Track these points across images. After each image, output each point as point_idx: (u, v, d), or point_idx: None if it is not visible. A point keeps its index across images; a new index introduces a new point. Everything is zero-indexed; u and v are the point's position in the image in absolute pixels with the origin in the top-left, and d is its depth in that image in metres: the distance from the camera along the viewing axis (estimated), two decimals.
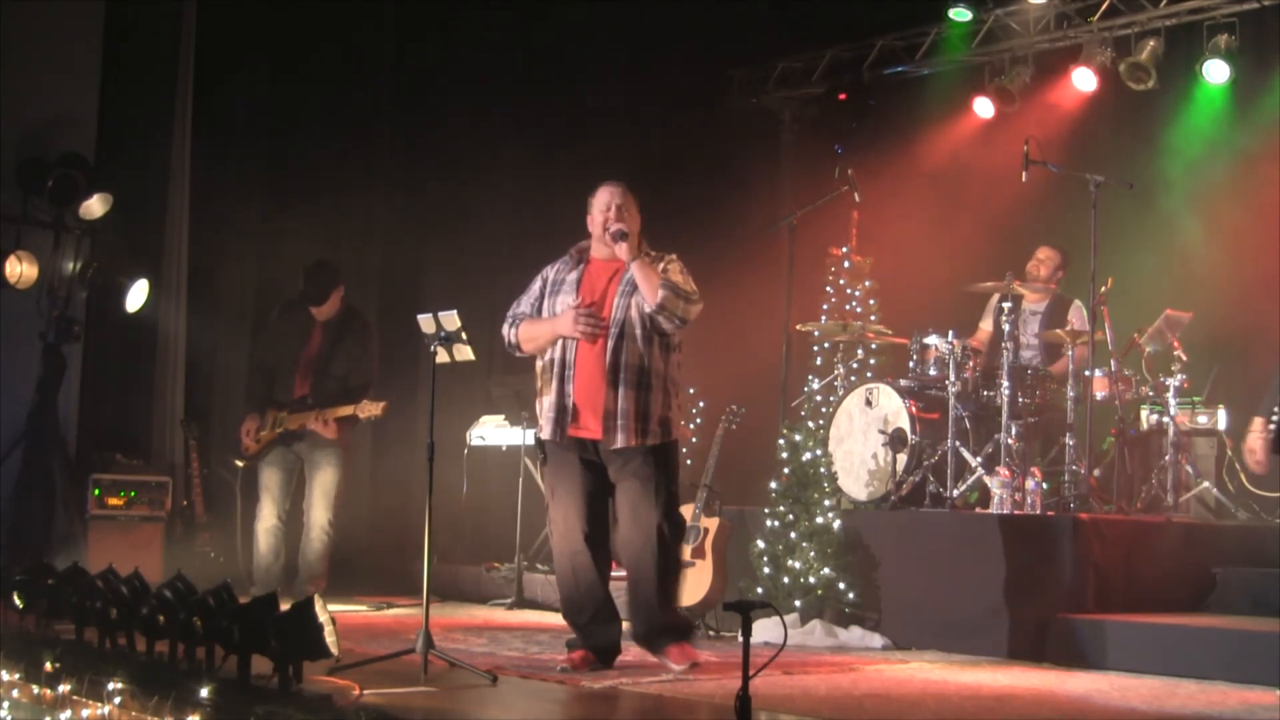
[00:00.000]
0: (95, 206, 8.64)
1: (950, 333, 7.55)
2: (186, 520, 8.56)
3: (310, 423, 7.47)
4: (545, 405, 5.40)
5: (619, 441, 5.26)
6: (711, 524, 6.92)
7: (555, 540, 5.55)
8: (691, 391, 9.04)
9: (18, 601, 5.63)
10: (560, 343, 5.37)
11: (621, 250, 5.33)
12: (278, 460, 7.66)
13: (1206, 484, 7.64)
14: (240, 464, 7.99)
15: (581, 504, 5.39)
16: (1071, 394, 7.37)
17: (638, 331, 5.30)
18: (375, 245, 10.00)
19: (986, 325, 8.24)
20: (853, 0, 9.89)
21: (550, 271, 5.55)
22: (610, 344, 5.29)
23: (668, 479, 5.38)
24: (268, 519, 7.65)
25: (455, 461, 8.75)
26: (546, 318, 5.42)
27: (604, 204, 5.41)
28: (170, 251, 9.26)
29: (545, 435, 5.43)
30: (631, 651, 5.48)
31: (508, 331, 5.52)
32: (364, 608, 7.79)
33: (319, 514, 7.60)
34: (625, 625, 5.51)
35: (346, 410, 7.36)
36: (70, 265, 8.82)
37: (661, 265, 5.39)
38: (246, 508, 8.09)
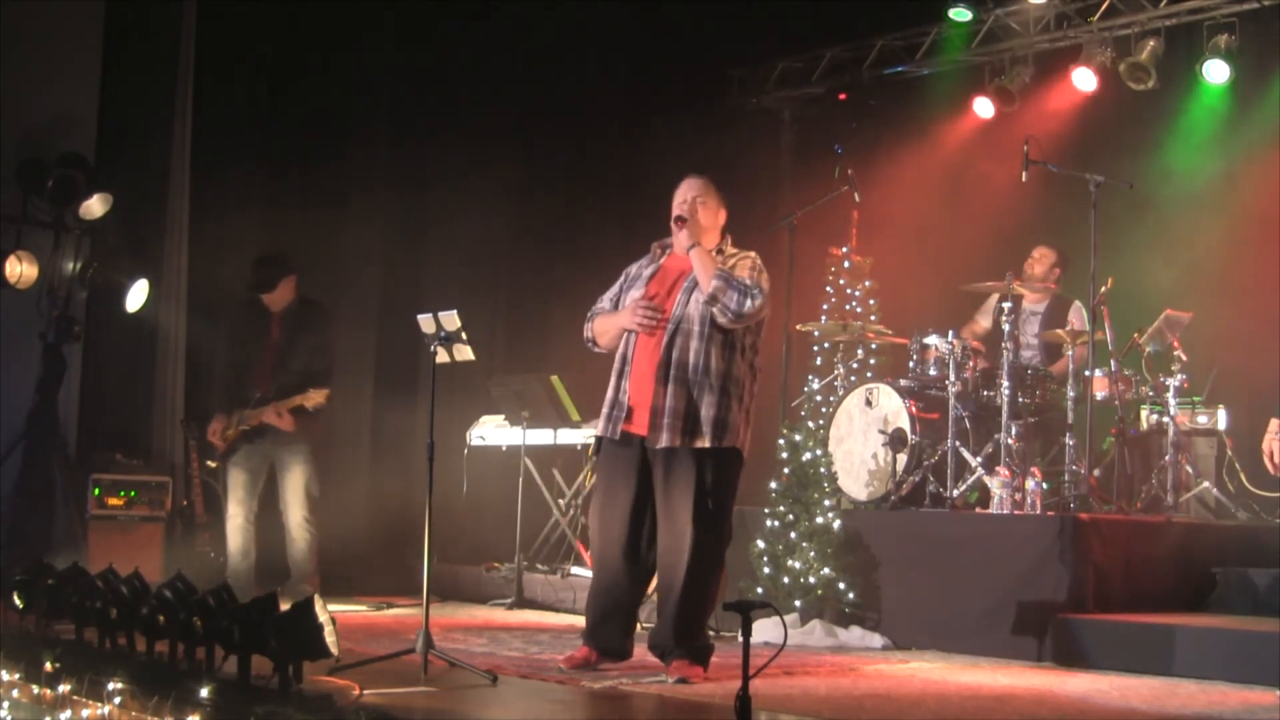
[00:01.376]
0: (95, 206, 8.63)
1: (950, 333, 7.55)
2: (186, 520, 8.55)
3: (267, 417, 7.45)
4: (605, 401, 5.33)
5: (663, 440, 5.11)
6: None
7: (592, 535, 5.45)
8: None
9: (18, 601, 5.62)
10: (624, 338, 5.31)
11: (682, 237, 5.27)
12: (243, 460, 7.63)
13: (1206, 484, 7.64)
14: (213, 464, 7.98)
15: (622, 505, 5.24)
16: (1071, 394, 7.37)
17: (695, 328, 5.17)
18: (376, 245, 9.99)
19: (985, 322, 8.23)
20: (853, 0, 9.90)
21: (633, 268, 5.50)
22: (665, 339, 5.18)
23: (716, 488, 5.13)
24: (235, 518, 7.60)
25: (455, 461, 8.75)
26: (618, 312, 5.38)
27: (680, 197, 5.37)
28: (170, 251, 9.24)
29: (599, 431, 5.35)
30: (634, 652, 5.46)
31: (586, 327, 5.48)
32: (364, 608, 7.79)
33: (294, 512, 7.56)
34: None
35: (295, 401, 7.35)
36: (70, 265, 8.79)
37: (732, 261, 5.29)
38: None
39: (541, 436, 8.48)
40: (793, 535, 6.69)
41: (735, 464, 5.24)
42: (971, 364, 7.53)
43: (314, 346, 7.60)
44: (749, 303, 5.14)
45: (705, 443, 5.12)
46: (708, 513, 5.13)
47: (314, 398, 7.27)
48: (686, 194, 5.38)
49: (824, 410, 8.36)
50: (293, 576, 7.56)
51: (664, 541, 5.19)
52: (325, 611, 4.31)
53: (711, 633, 6.63)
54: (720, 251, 5.35)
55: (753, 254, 5.36)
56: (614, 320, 5.36)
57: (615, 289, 5.49)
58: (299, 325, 7.65)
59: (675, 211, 5.35)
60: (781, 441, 6.94)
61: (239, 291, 7.94)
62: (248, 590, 7.25)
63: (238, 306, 8.04)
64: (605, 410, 5.32)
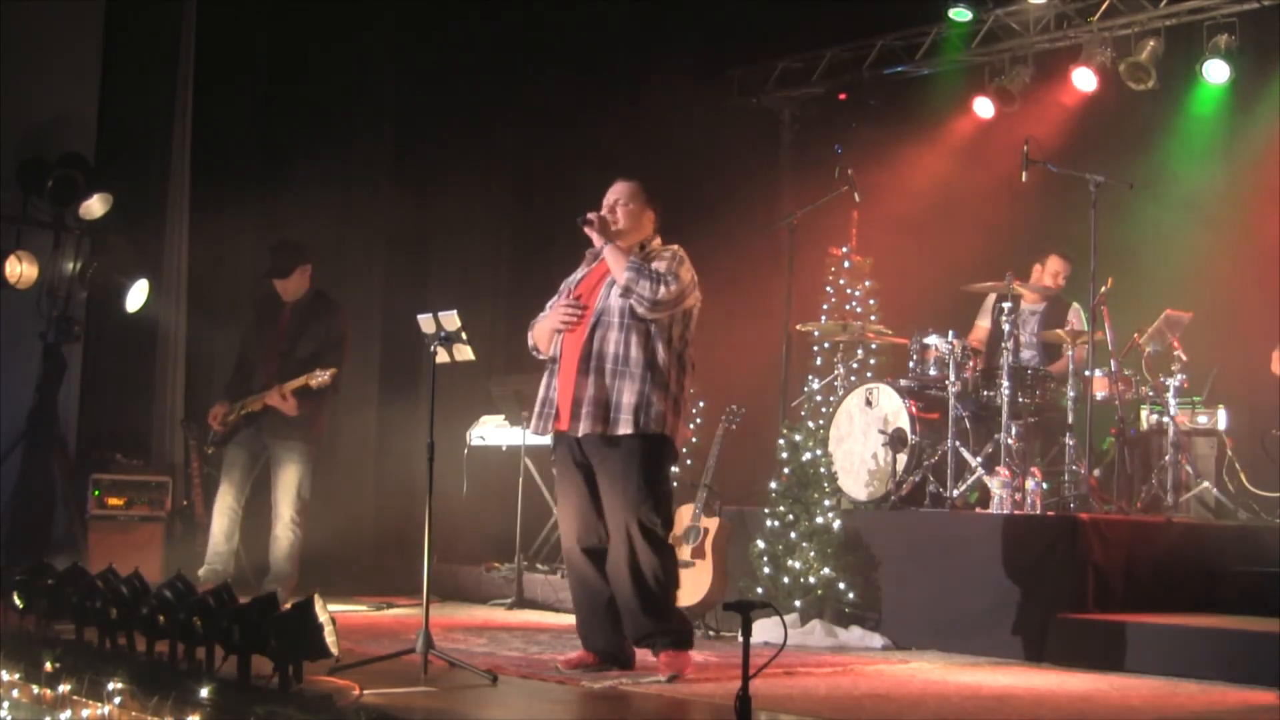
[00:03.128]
0: (95, 206, 8.63)
1: (950, 333, 7.55)
2: (186, 520, 8.55)
3: (270, 399, 7.41)
4: (536, 399, 5.41)
5: (582, 429, 5.18)
6: (711, 524, 6.92)
7: (561, 538, 5.53)
8: (691, 391, 9.03)
9: (18, 601, 5.62)
10: (557, 339, 5.39)
11: (594, 237, 5.34)
12: (244, 442, 7.59)
13: (1206, 484, 7.64)
14: (210, 450, 7.96)
15: (572, 502, 5.32)
16: (1071, 394, 7.37)
17: (615, 320, 5.24)
18: (377, 245, 10.00)
19: (984, 323, 8.24)
20: (853, 0, 9.89)
21: (570, 276, 5.59)
22: (587, 332, 5.27)
23: (647, 473, 5.15)
24: (225, 497, 7.54)
25: (455, 461, 8.75)
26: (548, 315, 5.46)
27: (606, 200, 5.44)
28: (170, 251, 9.25)
29: (532, 429, 5.46)
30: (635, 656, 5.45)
31: (528, 336, 5.56)
32: (364, 608, 7.78)
33: (283, 510, 7.50)
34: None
35: (299, 382, 7.32)
36: (70, 265, 8.80)
37: (653, 256, 5.33)
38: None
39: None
40: (793, 535, 6.69)
41: (664, 450, 5.25)
42: (971, 364, 7.53)
43: (322, 336, 7.57)
44: (662, 289, 5.18)
45: (629, 429, 5.16)
46: (638, 496, 5.15)
47: (318, 376, 7.23)
48: (609, 197, 5.46)
49: (824, 410, 8.36)
50: (270, 575, 7.49)
51: (610, 532, 5.24)
52: (325, 611, 4.31)
53: (711, 633, 6.67)
54: (643, 248, 5.40)
55: (675, 247, 5.41)
56: (545, 323, 5.47)
57: (554, 298, 5.56)
58: (309, 315, 7.63)
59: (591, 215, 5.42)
60: (781, 441, 6.94)
61: (248, 286, 7.91)
62: (227, 574, 7.26)
63: (254, 299, 8.03)
64: (536, 408, 5.40)
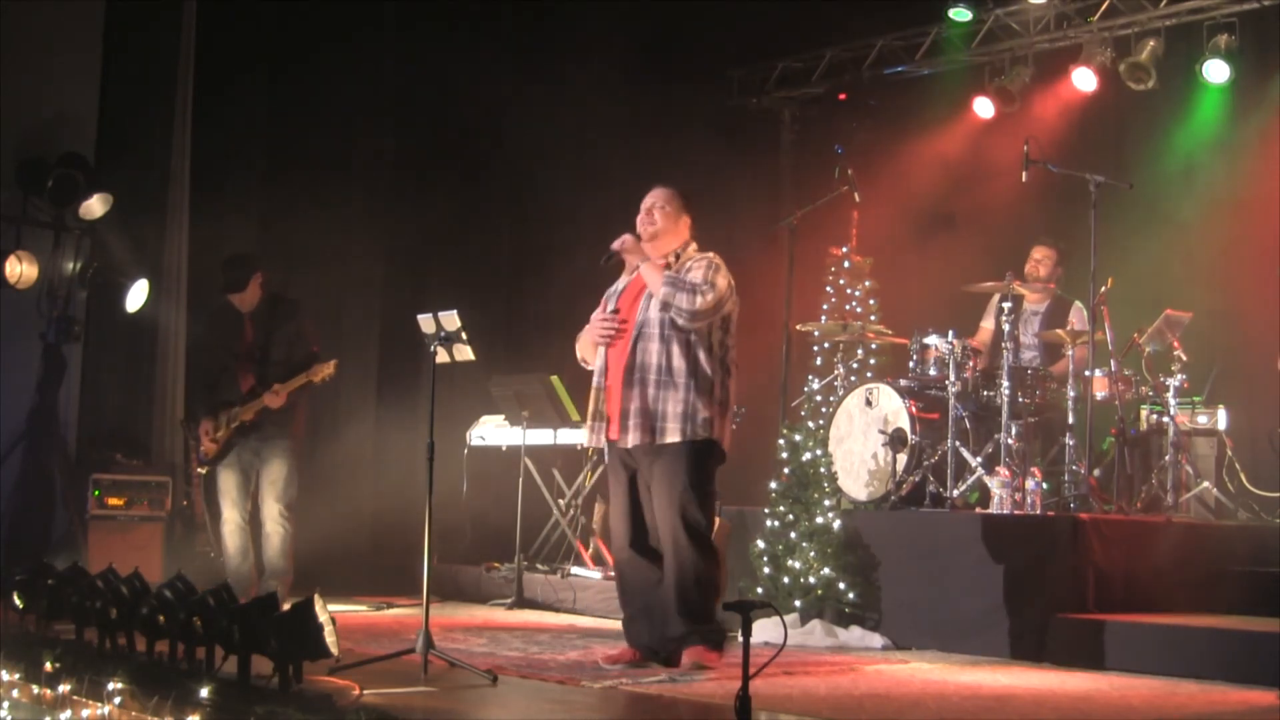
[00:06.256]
0: (95, 206, 8.63)
1: (950, 333, 7.54)
2: (186, 520, 8.55)
3: (267, 400, 7.37)
4: (587, 413, 5.58)
5: (630, 440, 5.37)
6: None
7: (612, 539, 5.72)
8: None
9: (18, 601, 5.63)
10: (601, 351, 5.54)
11: (629, 262, 5.56)
12: (234, 461, 7.55)
13: (1206, 484, 7.64)
14: (202, 470, 7.90)
15: (624, 508, 5.51)
16: (1071, 394, 7.37)
17: (655, 331, 5.40)
18: (378, 245, 9.99)
19: (988, 324, 8.23)
20: (853, 0, 9.90)
21: (611, 288, 5.73)
22: (630, 345, 5.42)
23: (693, 477, 5.34)
24: (230, 521, 7.51)
25: (455, 461, 8.75)
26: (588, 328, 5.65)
27: (644, 204, 5.59)
28: (170, 251, 9.25)
29: (588, 443, 5.68)
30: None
31: (576, 347, 5.73)
32: (364, 608, 7.79)
33: (270, 506, 7.48)
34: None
35: (300, 380, 7.31)
36: (70, 265, 8.80)
37: (688, 264, 5.47)
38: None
39: (541, 436, 8.48)
40: (793, 535, 6.69)
41: (710, 454, 5.43)
42: (971, 364, 7.53)
43: (291, 336, 7.58)
44: (699, 300, 5.34)
45: (676, 438, 5.34)
46: (685, 497, 5.33)
47: (320, 371, 7.27)
48: (646, 201, 5.60)
49: (824, 410, 8.36)
50: (265, 574, 7.47)
51: (659, 537, 5.42)
52: (325, 611, 4.31)
53: None
54: (678, 257, 5.53)
55: (710, 254, 5.54)
56: (586, 336, 5.63)
57: (598, 310, 5.69)
58: (273, 319, 7.63)
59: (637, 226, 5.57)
60: (781, 441, 6.94)
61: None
62: (250, 590, 7.24)
63: (206, 316, 7.99)
64: (588, 421, 5.57)
